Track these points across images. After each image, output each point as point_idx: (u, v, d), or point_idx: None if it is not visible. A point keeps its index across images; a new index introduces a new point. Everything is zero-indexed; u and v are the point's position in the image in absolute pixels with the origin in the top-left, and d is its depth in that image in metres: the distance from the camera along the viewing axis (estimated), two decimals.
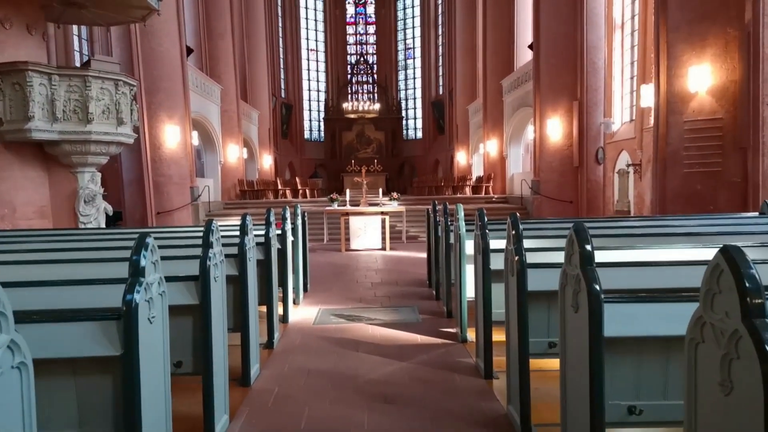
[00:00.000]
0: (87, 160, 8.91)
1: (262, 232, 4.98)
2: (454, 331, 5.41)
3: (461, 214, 5.05)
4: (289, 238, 6.11)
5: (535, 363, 3.40)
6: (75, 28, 22.36)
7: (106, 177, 19.63)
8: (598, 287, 2.31)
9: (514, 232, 3.30)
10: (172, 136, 14.83)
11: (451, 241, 5.84)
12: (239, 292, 4.03)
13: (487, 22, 21.62)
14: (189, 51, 17.44)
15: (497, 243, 4.26)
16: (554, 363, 3.81)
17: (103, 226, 9.29)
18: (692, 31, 9.08)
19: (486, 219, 4.13)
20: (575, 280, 2.43)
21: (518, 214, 3.52)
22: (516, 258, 3.24)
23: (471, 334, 5.05)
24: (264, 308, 4.98)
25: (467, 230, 5.01)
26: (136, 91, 9.46)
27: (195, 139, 17.34)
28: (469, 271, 5.00)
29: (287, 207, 5.97)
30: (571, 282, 2.51)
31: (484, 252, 4.07)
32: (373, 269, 9.90)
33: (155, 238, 2.87)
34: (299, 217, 6.92)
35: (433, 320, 5.95)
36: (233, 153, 21.31)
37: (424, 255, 11.54)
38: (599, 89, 15.37)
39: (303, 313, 6.42)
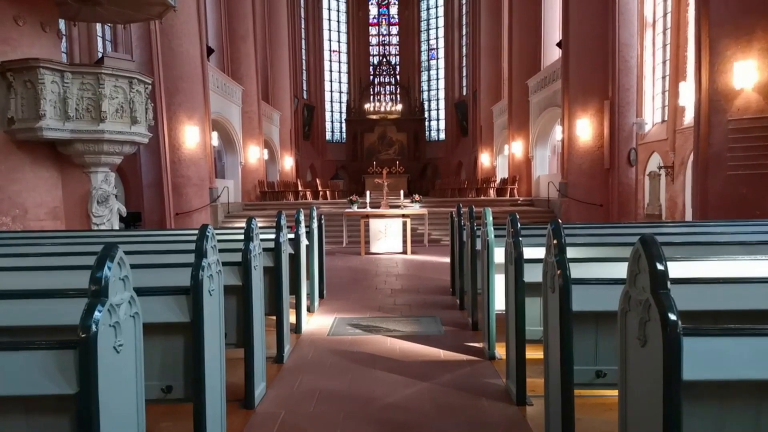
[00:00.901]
0: (100, 160, 8.67)
1: (273, 236, 4.61)
2: (481, 347, 4.95)
3: (489, 218, 4.59)
4: (303, 242, 5.72)
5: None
6: (98, 29, 22.49)
7: (127, 178, 19.68)
8: (674, 317, 1.84)
9: (555, 241, 2.83)
10: (191, 137, 14.63)
11: (478, 247, 5.38)
12: (242, 304, 3.64)
13: (513, 21, 21.08)
14: (210, 51, 17.28)
15: (531, 252, 3.81)
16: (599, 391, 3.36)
17: (116, 227, 9.05)
18: (738, 25, 8.45)
19: (519, 225, 3.67)
20: (643, 307, 1.99)
21: (560, 221, 3.07)
22: (558, 272, 2.79)
23: (500, 350, 4.59)
24: (276, 318, 4.60)
25: (496, 236, 4.56)
26: (150, 90, 9.20)
27: (215, 139, 17.16)
28: (498, 282, 4.54)
29: (301, 210, 5.58)
30: (636, 308, 2.07)
31: (516, 262, 3.61)
32: (393, 275, 9.47)
33: (156, 241, 2.58)
34: (315, 220, 6.53)
35: (458, 333, 5.49)
36: (254, 154, 21.12)
37: (447, 260, 11.08)
38: (631, 88, 14.73)
39: (318, 322, 6.02)
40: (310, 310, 6.42)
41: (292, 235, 5.42)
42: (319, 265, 7.07)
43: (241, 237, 3.84)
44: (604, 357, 2.96)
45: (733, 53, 8.47)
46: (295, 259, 5.44)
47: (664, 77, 24.05)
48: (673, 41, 22.43)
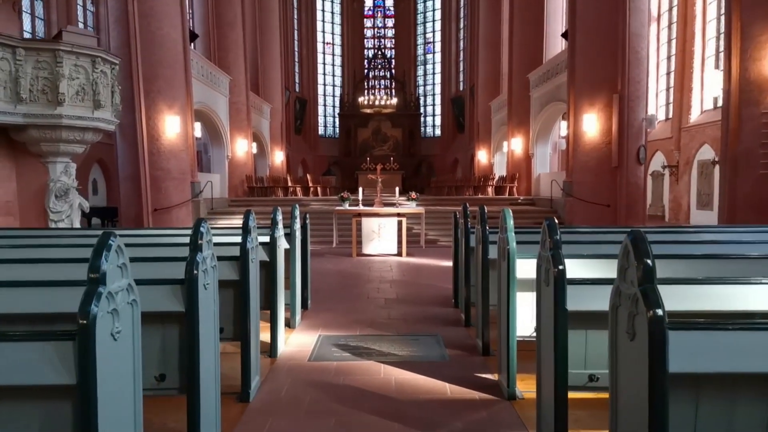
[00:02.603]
0: (59, 149, 7.68)
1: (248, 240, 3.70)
2: (495, 380, 4.04)
3: (510, 222, 3.67)
4: (281, 247, 4.78)
5: None
6: (78, 12, 21.41)
7: (108, 171, 18.54)
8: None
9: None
10: (171, 127, 13.63)
11: (491, 255, 4.47)
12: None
13: (514, 12, 20.17)
14: (193, 36, 16.26)
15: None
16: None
17: (77, 224, 8.07)
18: None
19: (559, 236, 2.76)
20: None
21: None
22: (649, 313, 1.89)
23: (521, 386, 3.69)
24: (241, 344, 3.68)
25: (518, 242, 3.65)
26: (118, 71, 8.22)
27: (198, 130, 16.14)
28: (521, 301, 3.64)
29: (277, 209, 4.65)
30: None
31: (557, 282, 2.70)
32: (387, 280, 8.56)
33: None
34: (297, 220, 5.59)
35: (465, 358, 4.58)
36: (242, 147, 20.12)
37: (447, 263, 10.17)
38: (642, 81, 13.86)
39: (298, 341, 5.09)
40: (290, 325, 5.49)
41: (267, 239, 4.49)
42: (302, 272, 6.13)
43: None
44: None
45: None
46: (269, 267, 4.50)
47: (668, 73, 23.27)
48: (680, 36, 21.61)
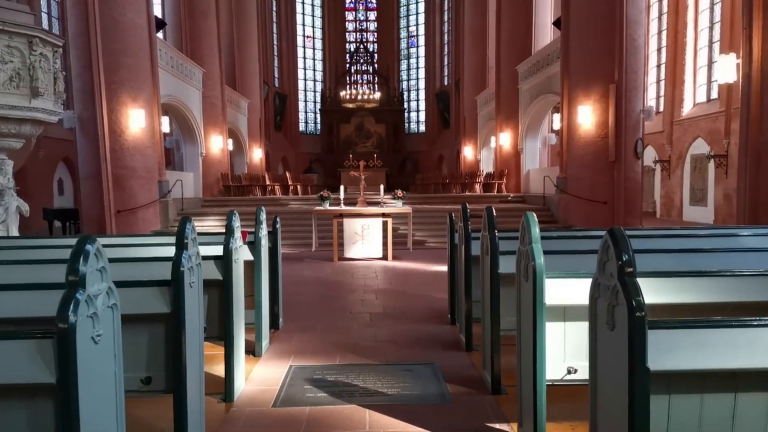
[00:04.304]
0: None
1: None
2: None
3: (536, 232, 2.77)
4: (240, 260, 3.84)
5: None
6: (42, 1, 20.09)
7: (72, 169, 17.32)
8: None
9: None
10: (136, 121, 12.54)
11: (502, 270, 3.58)
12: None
13: (501, 2, 19.34)
14: (161, 24, 15.15)
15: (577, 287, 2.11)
16: None
17: (14, 231, 7.00)
18: None
19: (631, 252, 1.88)
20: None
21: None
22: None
23: None
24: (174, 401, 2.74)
25: (546, 251, 2.76)
26: (61, 55, 7.17)
27: (166, 125, 15.04)
28: (552, 333, 2.75)
29: (234, 213, 3.70)
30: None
31: (634, 334, 1.82)
32: (372, 290, 7.63)
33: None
34: (263, 226, 4.63)
35: (471, 398, 3.67)
36: (216, 144, 19.02)
37: (438, 268, 9.29)
38: (639, 71, 13.10)
39: (263, 375, 4.14)
40: (254, 353, 4.54)
41: (218, 253, 3.54)
42: (271, 286, 5.18)
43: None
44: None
45: None
46: (222, 287, 3.56)
47: (659, 66, 22.66)
48: (671, 26, 21.00)
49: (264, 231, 4.67)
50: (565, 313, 2.74)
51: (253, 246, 4.53)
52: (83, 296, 1.90)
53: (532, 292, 2.68)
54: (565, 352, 2.78)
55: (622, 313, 1.89)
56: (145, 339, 2.77)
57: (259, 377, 4.08)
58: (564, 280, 2.69)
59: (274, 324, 5.35)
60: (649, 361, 2.29)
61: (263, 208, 4.65)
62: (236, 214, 3.72)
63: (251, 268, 4.57)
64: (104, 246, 4.22)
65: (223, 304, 3.55)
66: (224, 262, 3.57)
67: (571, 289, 2.68)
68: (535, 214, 2.88)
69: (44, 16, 20.29)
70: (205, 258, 3.57)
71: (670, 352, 1.86)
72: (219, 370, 3.86)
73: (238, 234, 3.72)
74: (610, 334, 2.00)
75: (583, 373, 2.68)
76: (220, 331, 3.63)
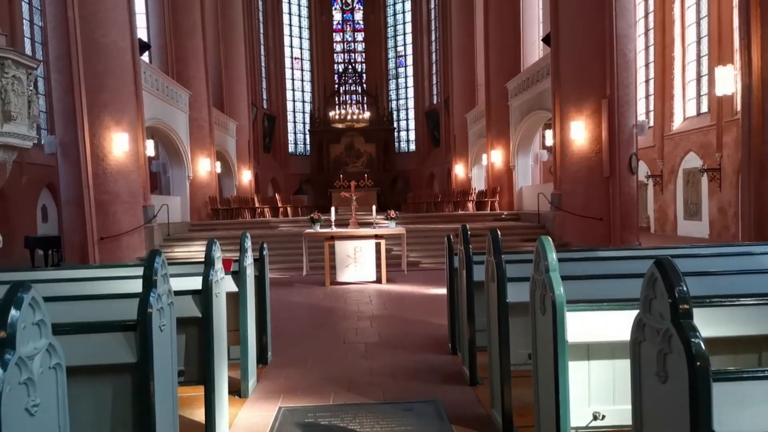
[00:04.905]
0: None
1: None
2: None
3: (552, 259, 2.45)
4: (221, 294, 3.48)
5: None
6: (26, 27, 19.83)
7: (57, 195, 16.92)
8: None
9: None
10: (119, 145, 12.20)
11: (511, 299, 3.26)
12: None
13: (489, 20, 19.33)
14: (145, 47, 14.90)
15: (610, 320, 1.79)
16: None
17: None
18: None
19: (685, 287, 1.58)
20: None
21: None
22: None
23: None
24: None
25: (564, 277, 2.44)
26: (34, 78, 6.85)
27: (151, 149, 14.69)
28: (575, 373, 2.42)
29: (214, 242, 3.37)
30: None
31: (700, 397, 1.51)
32: (366, 316, 7.27)
33: None
34: (248, 254, 4.28)
35: None
36: (204, 167, 18.67)
37: (434, 290, 8.96)
38: (631, 85, 12.99)
39: (249, 420, 3.75)
40: (240, 393, 4.15)
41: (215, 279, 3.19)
42: (258, 318, 4.81)
43: None
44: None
45: None
46: (203, 325, 3.20)
47: (647, 81, 22.71)
48: (658, 41, 21.07)
49: (249, 260, 4.32)
50: (589, 351, 2.42)
51: (238, 276, 4.18)
52: (12, 359, 1.52)
53: (552, 328, 2.36)
54: (590, 396, 2.45)
55: (679, 364, 1.59)
56: (109, 394, 2.39)
57: (245, 423, 3.69)
58: (587, 314, 2.37)
59: (262, 358, 4.98)
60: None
61: (248, 235, 4.31)
62: (216, 243, 3.38)
63: (236, 299, 4.21)
64: (71, 279, 3.87)
65: (203, 344, 3.18)
66: (203, 297, 3.22)
67: (595, 324, 2.36)
68: (550, 239, 2.56)
69: (27, 41, 20.01)
70: (181, 293, 3.23)
71: (738, 408, 1.56)
72: (200, 414, 3.48)
73: (219, 265, 3.38)
74: (662, 387, 1.70)
75: (611, 419, 2.35)
76: (200, 374, 3.26)
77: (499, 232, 3.47)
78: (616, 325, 2.32)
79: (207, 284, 3.23)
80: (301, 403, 4.03)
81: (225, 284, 3.69)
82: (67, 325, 2.33)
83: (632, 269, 3.35)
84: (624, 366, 2.40)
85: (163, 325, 1.95)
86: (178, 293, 3.27)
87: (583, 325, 2.35)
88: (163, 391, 2.49)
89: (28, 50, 20.21)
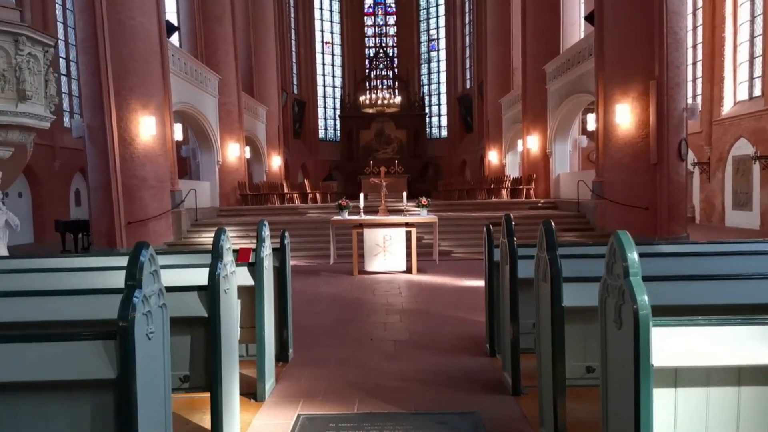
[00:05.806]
0: None
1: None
2: None
3: (633, 261, 1.94)
4: (230, 288, 3.07)
5: None
6: (58, 11, 19.89)
7: (85, 179, 17.02)
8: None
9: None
10: (147, 129, 11.99)
11: (566, 303, 2.75)
12: None
13: (526, 1, 18.45)
14: (173, 29, 14.65)
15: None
16: None
17: (4, 250, 6.38)
18: None
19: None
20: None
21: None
22: None
23: None
24: None
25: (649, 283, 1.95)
26: (51, 55, 6.56)
27: (179, 133, 14.49)
28: (661, 403, 1.91)
29: (223, 231, 2.95)
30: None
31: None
32: (396, 310, 6.83)
33: None
34: (265, 244, 3.87)
35: None
36: (233, 152, 18.47)
37: (468, 282, 8.47)
38: (681, 66, 12.11)
39: (265, 428, 3.36)
40: (256, 396, 3.77)
41: (231, 270, 2.78)
42: (279, 312, 4.41)
43: None
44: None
45: None
46: (209, 326, 2.80)
47: (695, 63, 21.48)
48: (707, 21, 19.83)
49: (267, 250, 3.90)
50: (677, 377, 1.91)
51: (255, 269, 3.77)
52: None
53: (633, 348, 1.87)
54: (676, 430, 1.94)
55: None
56: (87, 414, 2.04)
57: (260, 429, 3.30)
58: (678, 330, 1.86)
59: (282, 355, 4.59)
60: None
61: (266, 223, 3.89)
62: (225, 232, 2.97)
63: (252, 294, 3.81)
64: (74, 269, 3.53)
65: (209, 350, 2.78)
66: (209, 294, 2.81)
67: (685, 342, 1.85)
68: (628, 233, 2.06)
69: (59, 26, 20.08)
70: (186, 289, 2.83)
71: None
72: (209, 422, 3.09)
73: (228, 257, 2.97)
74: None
75: None
76: (207, 380, 2.86)
77: (553, 224, 2.96)
78: (716, 343, 1.81)
79: (214, 280, 2.82)
80: (322, 410, 3.62)
81: (237, 278, 3.28)
82: (38, 332, 1.97)
83: (713, 269, 2.80)
84: (721, 395, 1.89)
85: (152, 332, 1.94)
86: (182, 289, 2.88)
87: (671, 345, 1.85)
88: (152, 409, 2.12)
89: (60, 34, 20.30)
